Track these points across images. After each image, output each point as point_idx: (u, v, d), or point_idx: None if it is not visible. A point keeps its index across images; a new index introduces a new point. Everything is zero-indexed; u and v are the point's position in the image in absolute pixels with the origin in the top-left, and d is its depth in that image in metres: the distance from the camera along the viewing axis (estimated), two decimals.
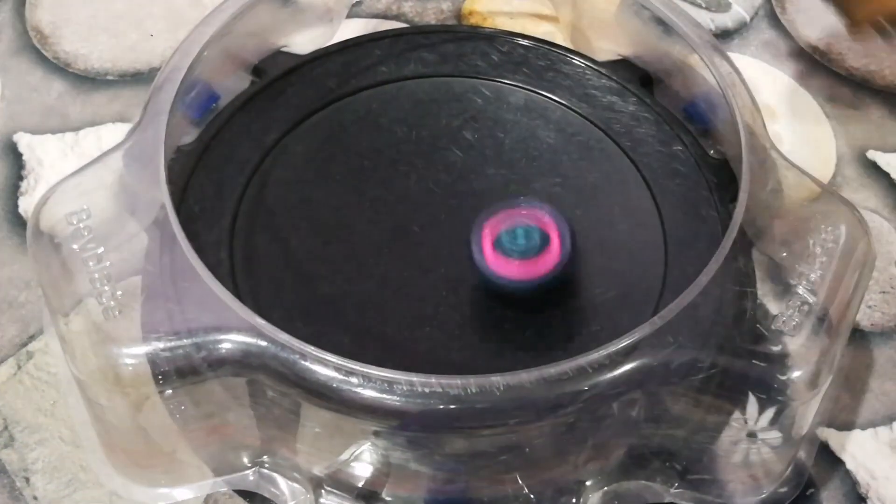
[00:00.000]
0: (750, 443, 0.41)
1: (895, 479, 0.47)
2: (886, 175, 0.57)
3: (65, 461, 0.46)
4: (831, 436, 0.48)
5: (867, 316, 0.52)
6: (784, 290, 0.40)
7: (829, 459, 0.47)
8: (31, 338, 0.49)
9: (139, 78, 0.59)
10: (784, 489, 0.44)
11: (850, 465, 0.47)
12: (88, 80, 0.59)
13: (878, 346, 0.51)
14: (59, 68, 0.60)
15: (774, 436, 0.41)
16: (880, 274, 0.53)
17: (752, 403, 0.40)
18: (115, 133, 0.57)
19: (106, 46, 0.61)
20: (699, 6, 0.64)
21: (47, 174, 0.55)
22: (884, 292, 0.53)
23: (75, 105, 0.58)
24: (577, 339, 0.42)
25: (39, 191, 0.54)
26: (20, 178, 0.55)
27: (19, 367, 0.48)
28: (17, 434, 0.46)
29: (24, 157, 0.56)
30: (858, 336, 0.51)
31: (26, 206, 0.54)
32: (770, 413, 0.40)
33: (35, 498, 0.45)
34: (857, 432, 0.48)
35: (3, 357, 0.49)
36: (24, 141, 0.56)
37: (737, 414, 0.40)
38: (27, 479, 0.45)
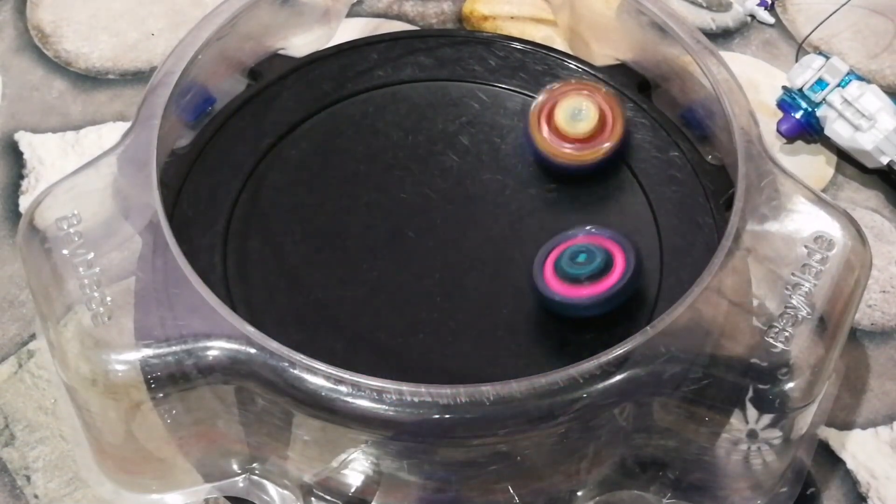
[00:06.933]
0: (748, 446, 0.41)
1: (895, 479, 0.47)
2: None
3: (65, 460, 0.46)
4: (831, 435, 0.48)
5: (867, 316, 0.52)
6: (779, 299, 0.40)
7: (829, 459, 0.47)
8: (32, 336, 0.50)
9: (140, 77, 0.59)
10: (784, 489, 0.44)
11: (850, 465, 0.47)
12: (89, 79, 0.59)
13: (879, 345, 0.51)
14: (59, 67, 0.60)
15: (772, 440, 0.41)
16: (880, 273, 0.53)
17: (749, 408, 0.40)
18: (115, 132, 0.57)
19: (107, 45, 0.61)
20: (700, 6, 0.64)
21: (48, 173, 0.55)
22: (884, 292, 0.53)
23: (76, 104, 0.58)
24: (571, 347, 0.42)
25: (40, 190, 0.54)
26: (21, 176, 0.55)
27: (20, 366, 0.49)
28: (18, 432, 0.47)
29: (24, 156, 0.56)
30: (859, 336, 0.51)
31: (27, 204, 0.54)
32: (766, 420, 0.40)
33: (36, 496, 0.45)
34: (857, 432, 0.48)
35: (4, 356, 0.49)
36: (24, 140, 0.57)
37: (735, 416, 0.40)
38: (28, 478, 0.46)
